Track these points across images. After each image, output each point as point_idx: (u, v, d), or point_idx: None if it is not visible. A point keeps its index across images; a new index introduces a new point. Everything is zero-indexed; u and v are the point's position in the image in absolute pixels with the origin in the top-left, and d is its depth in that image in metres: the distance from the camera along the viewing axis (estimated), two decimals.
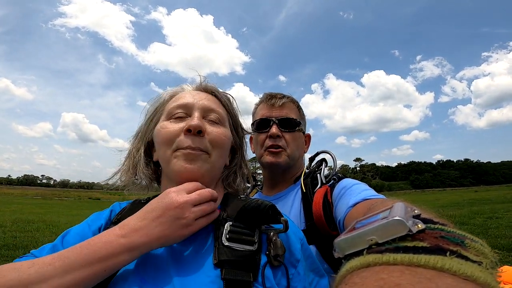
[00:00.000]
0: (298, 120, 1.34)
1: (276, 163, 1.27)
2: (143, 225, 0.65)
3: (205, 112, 0.82)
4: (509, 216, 10.57)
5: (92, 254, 0.61)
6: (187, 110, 0.82)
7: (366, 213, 0.50)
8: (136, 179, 0.88)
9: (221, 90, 0.92)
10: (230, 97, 0.94)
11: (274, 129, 1.27)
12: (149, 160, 0.88)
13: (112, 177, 0.90)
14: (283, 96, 1.35)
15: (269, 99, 1.34)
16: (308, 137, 1.45)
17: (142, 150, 0.86)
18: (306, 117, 1.45)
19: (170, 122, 0.81)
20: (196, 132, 0.76)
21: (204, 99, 0.84)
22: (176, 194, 0.69)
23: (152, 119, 0.87)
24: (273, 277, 0.69)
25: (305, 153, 1.41)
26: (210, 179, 0.82)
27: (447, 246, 0.28)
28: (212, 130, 0.80)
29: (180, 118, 0.81)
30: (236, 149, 0.92)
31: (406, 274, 0.25)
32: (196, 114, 0.80)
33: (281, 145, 1.28)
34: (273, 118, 1.30)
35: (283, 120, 1.30)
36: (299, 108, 1.39)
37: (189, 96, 0.85)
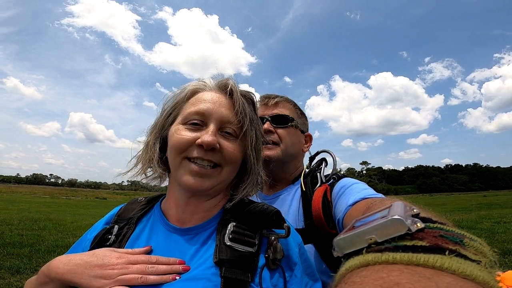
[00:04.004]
0: (290, 116, 1.35)
1: (268, 158, 1.27)
2: (72, 265, 0.70)
3: (222, 124, 0.81)
4: None
5: (38, 277, 0.76)
6: (204, 118, 0.80)
7: (365, 212, 0.50)
8: (151, 170, 0.88)
9: (243, 90, 0.88)
10: (253, 99, 0.91)
11: (266, 125, 1.30)
12: (163, 154, 0.87)
13: (133, 167, 0.89)
14: (277, 96, 1.38)
15: (264, 99, 1.38)
16: (309, 137, 1.45)
17: (158, 146, 0.86)
18: (311, 119, 1.47)
19: (185, 128, 0.80)
20: (208, 149, 0.76)
21: (223, 108, 0.81)
22: (116, 259, 0.70)
23: (170, 115, 0.86)
24: (270, 278, 0.72)
25: (305, 152, 1.41)
26: (216, 191, 0.83)
27: (446, 245, 0.28)
28: (227, 145, 0.79)
29: (195, 125, 0.80)
30: (248, 159, 0.87)
31: (406, 273, 0.25)
32: (212, 128, 0.78)
33: (274, 140, 1.30)
34: (266, 116, 1.32)
35: (275, 117, 1.32)
36: (296, 107, 1.41)
37: (209, 99, 0.82)
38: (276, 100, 1.36)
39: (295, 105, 1.41)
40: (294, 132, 1.35)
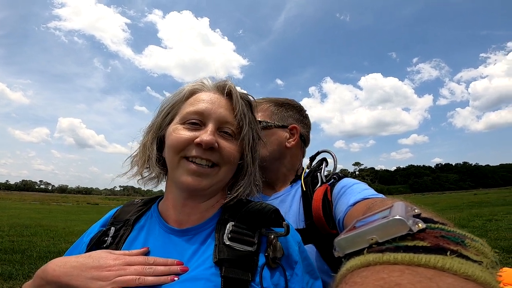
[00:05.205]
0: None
1: None
2: (68, 267, 0.69)
3: (221, 124, 0.81)
4: (509, 218, 10.58)
5: (34, 281, 0.73)
6: (203, 118, 0.80)
7: (366, 212, 0.50)
8: (147, 171, 0.88)
9: (242, 92, 0.89)
10: (251, 100, 0.91)
11: None
12: (160, 155, 0.87)
13: (130, 168, 0.89)
14: None
15: None
16: (295, 129, 1.35)
17: (155, 146, 0.85)
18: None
19: (184, 127, 0.80)
20: (207, 148, 0.76)
21: (221, 108, 0.82)
22: (113, 260, 0.69)
23: (168, 115, 0.86)
24: (270, 277, 0.71)
25: (290, 146, 1.33)
26: (213, 191, 0.83)
27: (448, 245, 0.28)
28: (226, 145, 0.80)
29: (193, 125, 0.80)
30: (245, 160, 0.87)
31: (407, 273, 0.25)
32: (210, 127, 0.78)
33: None
34: None
35: None
36: (270, 104, 1.36)
37: (208, 99, 0.82)
38: None
39: (269, 101, 1.36)
40: (264, 134, 1.26)
